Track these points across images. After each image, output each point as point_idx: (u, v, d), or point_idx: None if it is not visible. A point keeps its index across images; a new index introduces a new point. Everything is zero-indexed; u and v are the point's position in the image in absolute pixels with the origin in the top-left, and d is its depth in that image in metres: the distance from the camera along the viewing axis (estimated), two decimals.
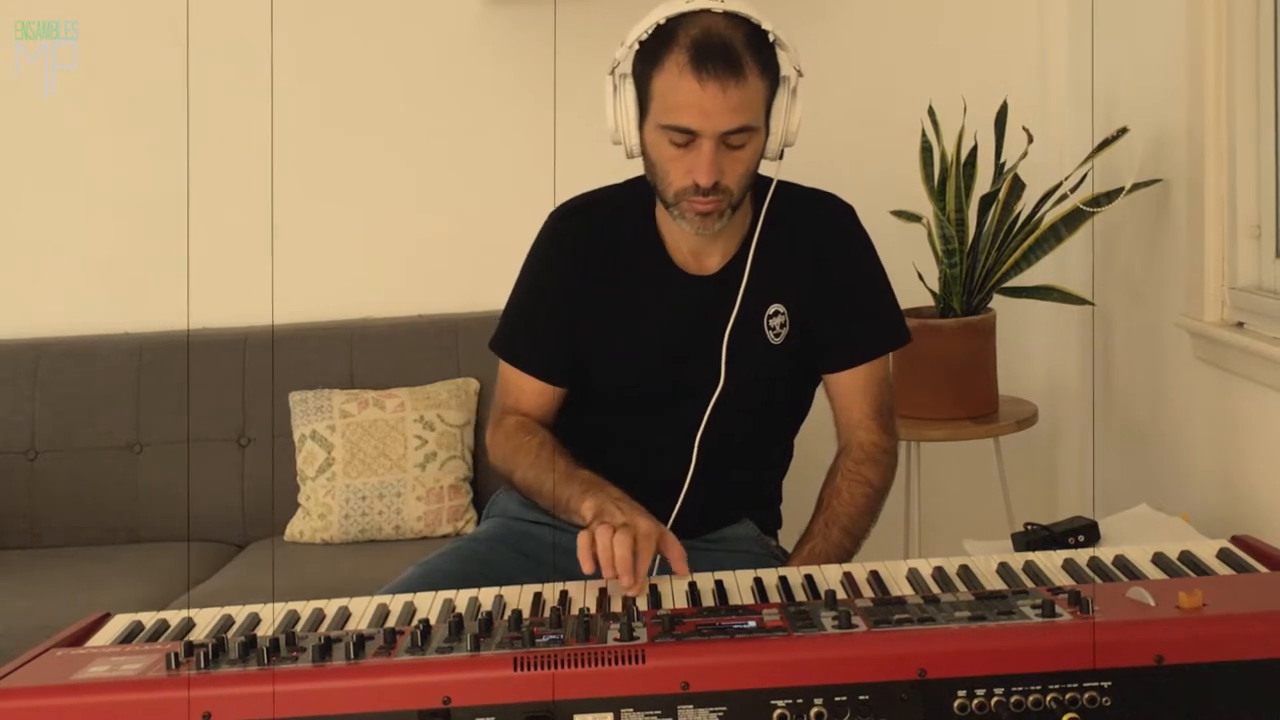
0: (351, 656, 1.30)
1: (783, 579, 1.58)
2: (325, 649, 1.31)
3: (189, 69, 3.17)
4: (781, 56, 1.76)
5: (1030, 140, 2.70)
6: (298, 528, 2.99)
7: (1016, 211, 2.72)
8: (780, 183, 1.85)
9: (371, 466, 2.96)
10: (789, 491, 2.07)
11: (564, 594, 1.59)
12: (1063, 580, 1.49)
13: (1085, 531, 2.12)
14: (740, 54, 1.69)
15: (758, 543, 1.94)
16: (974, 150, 2.72)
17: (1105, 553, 1.58)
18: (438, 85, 3.26)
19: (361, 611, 1.56)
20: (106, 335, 3.22)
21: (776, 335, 1.88)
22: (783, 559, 1.89)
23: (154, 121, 3.26)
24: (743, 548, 1.90)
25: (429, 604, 1.58)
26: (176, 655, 1.31)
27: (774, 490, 2.04)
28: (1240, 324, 2.24)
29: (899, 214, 2.73)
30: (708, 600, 1.54)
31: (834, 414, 1.97)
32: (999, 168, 2.74)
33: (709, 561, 1.69)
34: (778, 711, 1.24)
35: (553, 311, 1.91)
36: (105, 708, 1.27)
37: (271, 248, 3.21)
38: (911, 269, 2.69)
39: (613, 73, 1.78)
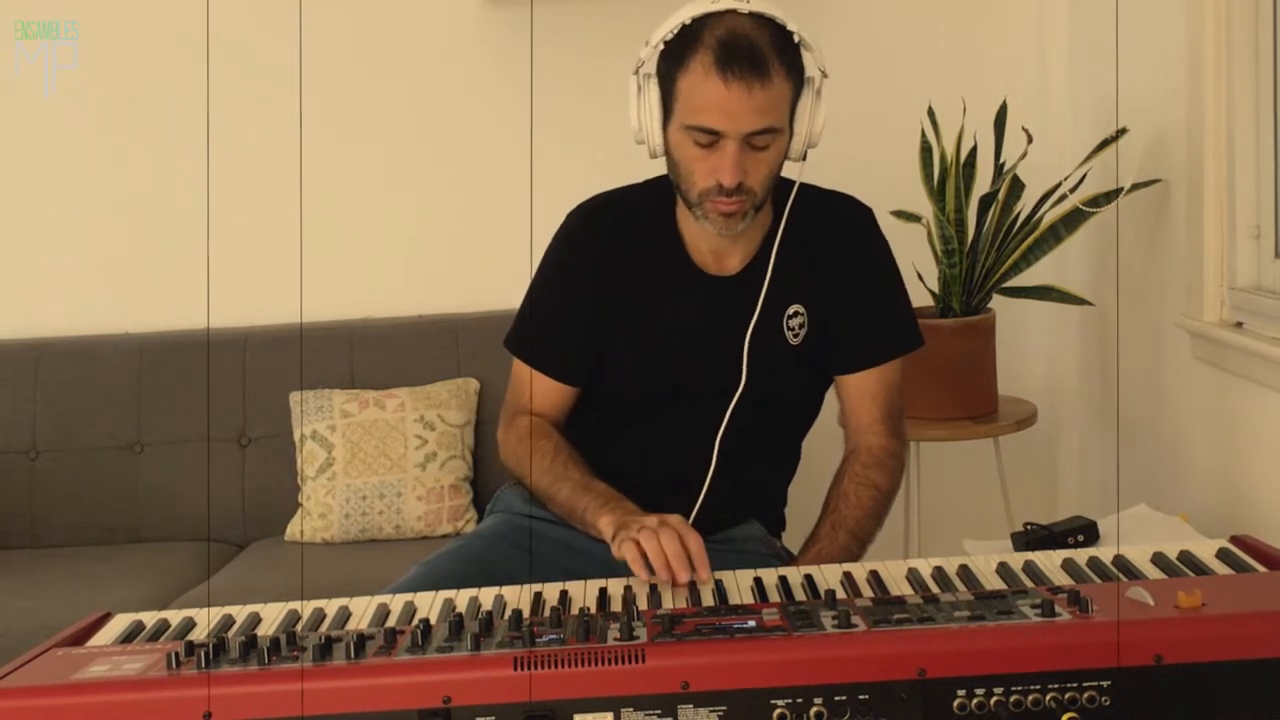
0: (352, 656, 1.30)
1: (782, 579, 1.58)
2: (326, 648, 1.31)
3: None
4: (806, 57, 1.75)
5: (1030, 140, 2.71)
6: (298, 527, 2.99)
7: (1016, 212, 2.73)
8: (800, 184, 1.85)
9: (372, 466, 2.97)
10: (793, 494, 2.07)
11: (564, 594, 1.59)
12: (1062, 580, 1.50)
13: (1084, 531, 2.12)
14: (766, 55, 1.69)
15: (764, 543, 1.95)
16: (973, 150, 2.73)
17: (1104, 552, 1.58)
18: (437, 85, 3.26)
19: (362, 611, 1.57)
20: (107, 335, 3.22)
21: (795, 336, 1.88)
22: (789, 560, 1.89)
23: (154, 121, 3.26)
24: (750, 548, 1.90)
25: (429, 603, 1.58)
26: (177, 655, 1.32)
27: (781, 492, 2.05)
28: (1239, 324, 2.24)
29: (899, 214, 2.73)
30: (707, 600, 1.54)
31: (843, 416, 1.97)
32: (998, 168, 2.74)
33: (717, 561, 1.69)
34: (777, 711, 1.25)
35: (570, 311, 1.90)
36: (106, 707, 1.27)
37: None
38: (911, 269, 2.68)
39: (636, 72, 1.78)
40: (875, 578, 1.56)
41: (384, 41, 3.25)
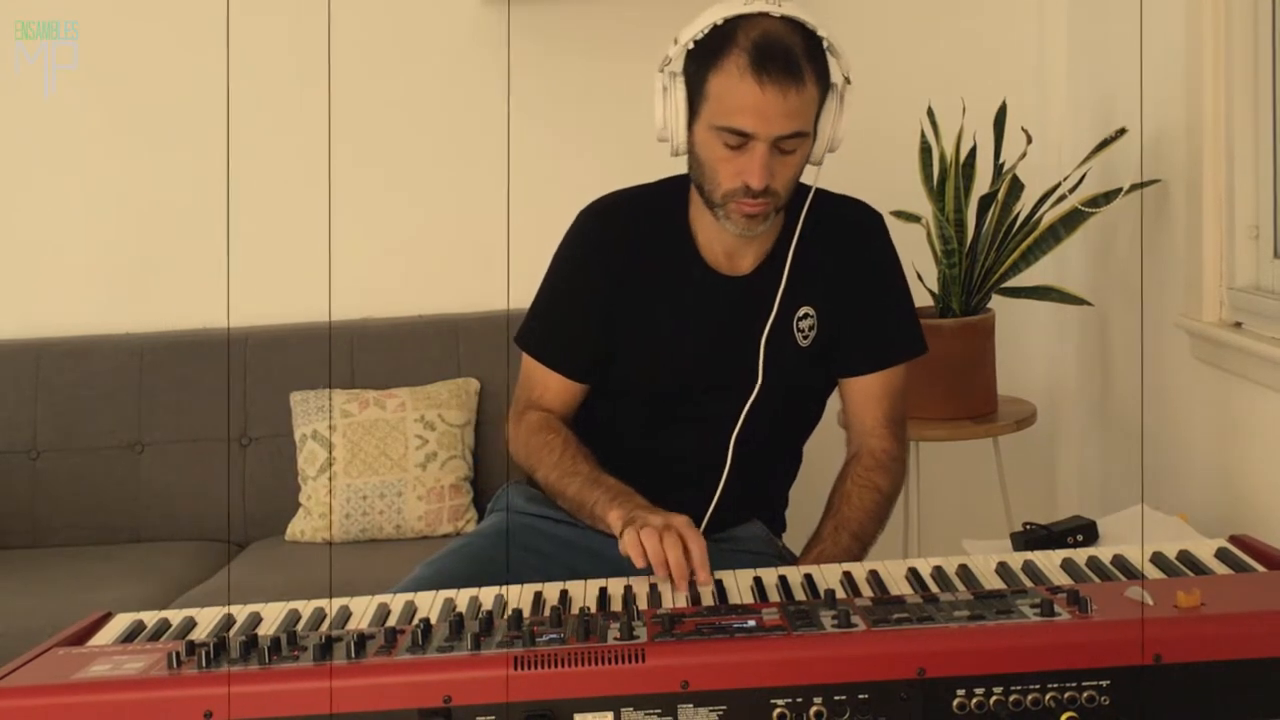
0: (352, 655, 1.30)
1: (782, 578, 1.59)
2: (326, 648, 1.32)
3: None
4: (832, 63, 1.76)
5: (1029, 141, 2.71)
6: (299, 527, 2.99)
7: (1015, 212, 2.73)
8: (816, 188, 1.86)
9: (372, 466, 2.97)
10: (793, 495, 2.08)
11: (564, 593, 1.59)
12: (1061, 580, 1.50)
13: (1084, 531, 2.12)
14: (799, 59, 1.70)
15: (767, 543, 1.95)
16: (973, 151, 2.73)
17: (1104, 552, 1.58)
18: (437, 85, 3.26)
19: (362, 611, 1.57)
20: (107, 335, 3.23)
21: (805, 338, 1.89)
22: (791, 560, 1.89)
23: (154, 121, 3.27)
24: (752, 547, 1.90)
25: (430, 603, 1.58)
26: (178, 654, 1.32)
27: (784, 493, 2.06)
28: (1238, 324, 2.24)
29: (898, 214, 2.73)
30: (707, 599, 1.55)
31: (846, 419, 1.98)
32: (998, 168, 2.74)
33: (720, 560, 1.69)
34: (777, 710, 1.25)
35: (582, 308, 1.91)
36: (107, 707, 1.27)
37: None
38: (911, 269, 2.68)
39: (663, 70, 1.77)
40: (875, 577, 1.56)
41: (384, 42, 3.25)
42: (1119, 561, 1.55)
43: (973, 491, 3.03)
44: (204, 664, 1.30)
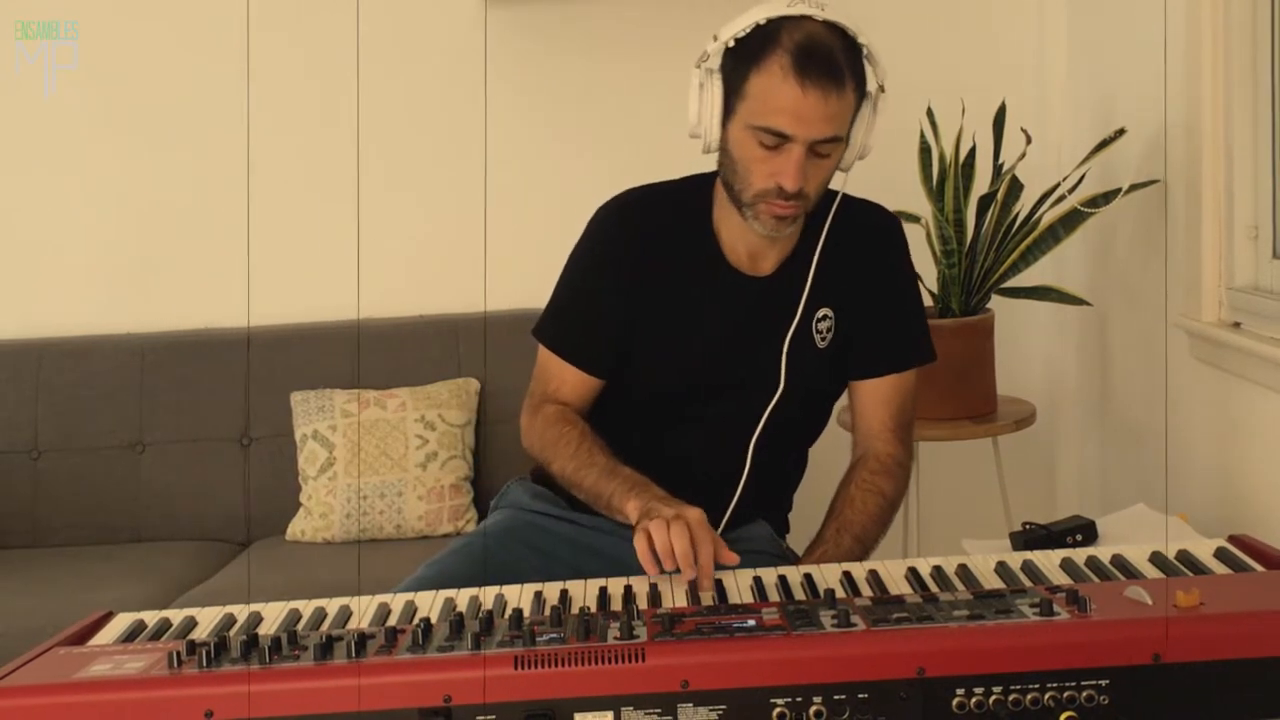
0: (353, 655, 1.30)
1: (782, 578, 1.59)
2: (327, 648, 1.32)
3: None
4: (868, 70, 1.77)
5: (1028, 141, 2.71)
6: (299, 527, 2.99)
7: (1015, 212, 2.73)
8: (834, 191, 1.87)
9: (373, 466, 2.97)
10: (795, 498, 2.08)
11: (564, 593, 1.59)
12: (1060, 579, 1.50)
13: (1083, 531, 2.12)
14: (841, 64, 1.70)
15: (772, 543, 1.96)
16: (972, 151, 2.73)
17: (1103, 552, 1.59)
18: (437, 86, 3.26)
19: (363, 610, 1.57)
20: (108, 335, 3.23)
21: (823, 339, 1.90)
22: (795, 561, 1.89)
23: (154, 121, 3.27)
24: (759, 547, 1.90)
25: (430, 603, 1.58)
26: (179, 654, 1.32)
27: (790, 495, 2.06)
28: (1237, 324, 2.25)
29: (897, 215, 2.73)
30: (707, 599, 1.55)
31: (854, 421, 1.98)
32: (997, 168, 2.74)
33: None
34: (777, 710, 1.25)
35: (601, 303, 1.90)
36: (107, 706, 1.27)
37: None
38: None
39: (699, 66, 1.77)
40: (874, 577, 1.57)
41: (384, 42, 3.25)
42: (1118, 561, 1.55)
43: (972, 491, 3.03)
44: (204, 664, 1.30)
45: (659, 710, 1.25)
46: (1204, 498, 2.34)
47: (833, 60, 1.69)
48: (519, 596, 1.58)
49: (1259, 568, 1.50)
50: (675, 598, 1.56)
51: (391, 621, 1.51)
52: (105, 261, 3.30)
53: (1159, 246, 2.57)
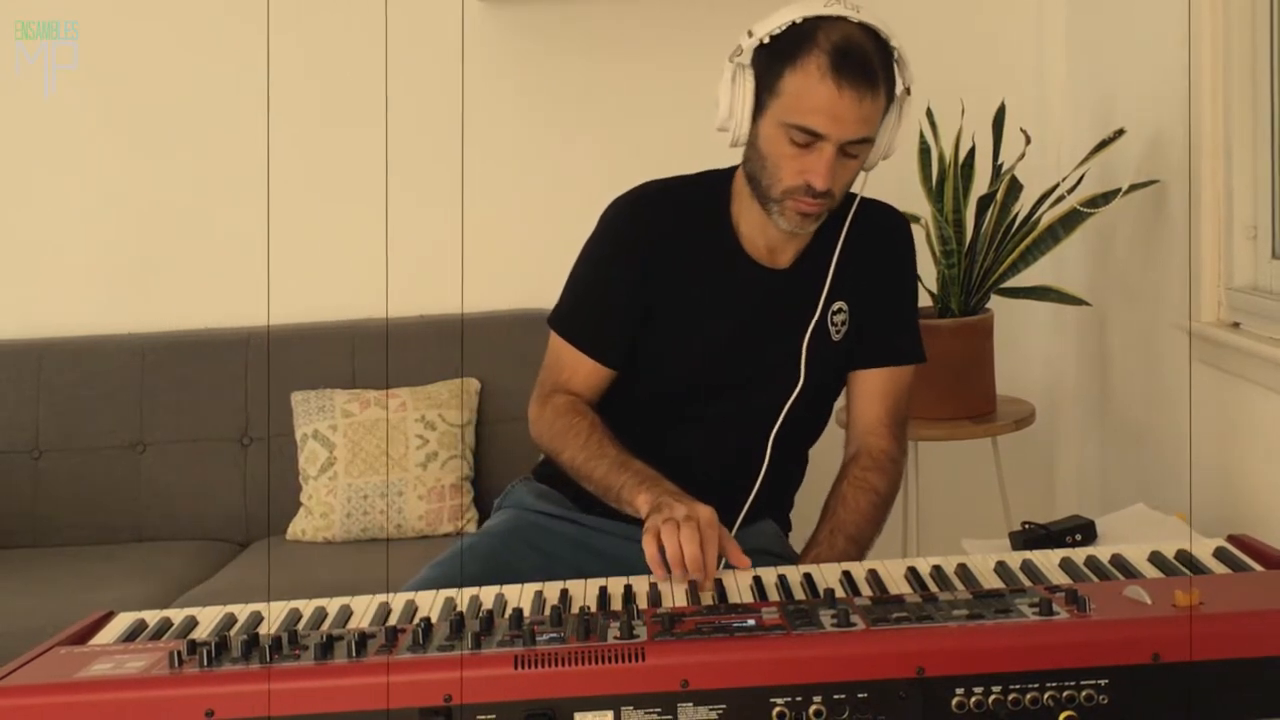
0: (353, 655, 1.31)
1: (781, 578, 1.59)
2: (327, 647, 1.32)
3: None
4: (897, 73, 1.78)
5: (1028, 141, 2.71)
6: (299, 527, 3.00)
7: (1014, 212, 2.73)
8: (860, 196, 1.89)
9: (373, 466, 2.97)
10: (795, 498, 2.08)
11: (564, 592, 1.59)
12: (1060, 579, 1.50)
13: (1082, 531, 2.12)
14: (876, 67, 1.71)
15: (779, 542, 1.96)
16: (972, 151, 2.73)
17: (1102, 551, 1.59)
18: (437, 86, 3.25)
19: (363, 610, 1.57)
20: (109, 335, 3.23)
21: (838, 331, 1.91)
22: (797, 561, 1.89)
23: (154, 121, 3.27)
24: (767, 546, 1.90)
25: (430, 602, 1.58)
26: (179, 654, 1.32)
27: (793, 492, 2.06)
28: (1237, 324, 2.25)
29: None
30: (707, 599, 1.55)
31: (849, 415, 1.98)
32: (997, 169, 2.75)
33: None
34: (777, 709, 1.25)
35: (617, 293, 1.90)
36: (108, 706, 1.27)
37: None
38: None
39: (732, 60, 1.77)
40: (874, 577, 1.57)
41: (384, 42, 3.25)
42: (1117, 561, 1.55)
43: (971, 491, 3.03)
44: (205, 663, 1.31)
45: (659, 710, 1.26)
46: (1203, 497, 2.34)
47: (868, 62, 1.70)
48: (519, 596, 1.59)
49: (1258, 567, 1.50)
50: (675, 597, 1.56)
51: (392, 621, 1.51)
52: (105, 261, 3.30)
53: (1158, 246, 2.57)
